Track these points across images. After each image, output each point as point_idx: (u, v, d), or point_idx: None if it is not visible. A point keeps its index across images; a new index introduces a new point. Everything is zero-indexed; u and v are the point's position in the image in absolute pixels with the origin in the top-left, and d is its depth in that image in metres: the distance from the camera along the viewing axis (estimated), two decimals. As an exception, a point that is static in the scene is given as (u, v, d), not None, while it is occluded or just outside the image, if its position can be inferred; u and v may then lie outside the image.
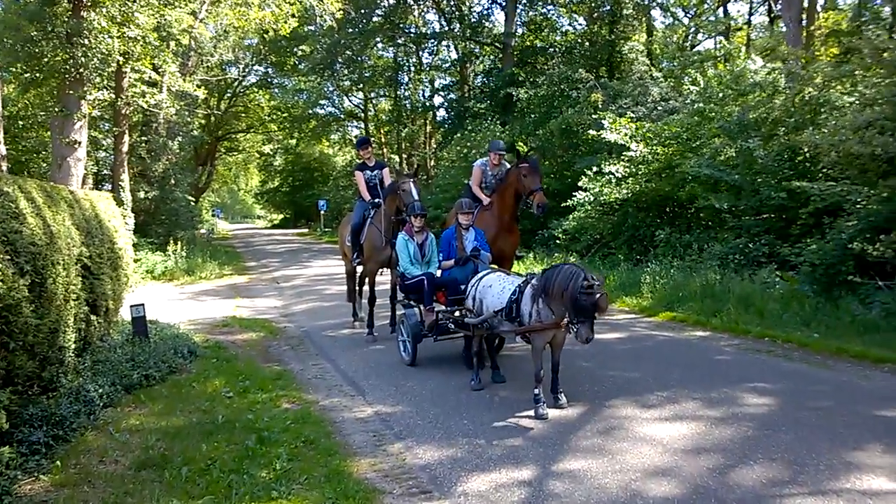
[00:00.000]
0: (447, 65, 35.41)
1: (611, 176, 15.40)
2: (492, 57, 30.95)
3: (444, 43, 33.62)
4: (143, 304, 7.89)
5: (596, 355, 7.35)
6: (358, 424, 5.60)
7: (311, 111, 37.77)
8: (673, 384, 6.33)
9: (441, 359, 7.75)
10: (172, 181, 21.12)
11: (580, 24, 28.65)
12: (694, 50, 28.89)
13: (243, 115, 41.37)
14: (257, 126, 42.65)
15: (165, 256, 17.81)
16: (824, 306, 9.37)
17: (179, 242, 18.63)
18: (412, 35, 31.92)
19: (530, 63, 27.67)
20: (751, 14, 31.39)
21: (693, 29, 30.99)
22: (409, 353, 7.48)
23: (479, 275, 6.61)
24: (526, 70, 26.71)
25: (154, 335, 7.98)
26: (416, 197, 8.18)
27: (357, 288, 10.09)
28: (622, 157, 15.40)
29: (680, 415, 5.44)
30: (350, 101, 40.28)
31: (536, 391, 5.74)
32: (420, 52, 35.34)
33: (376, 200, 8.95)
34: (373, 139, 38.91)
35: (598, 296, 5.05)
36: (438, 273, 7.73)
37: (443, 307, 7.42)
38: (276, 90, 38.42)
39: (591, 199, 15.64)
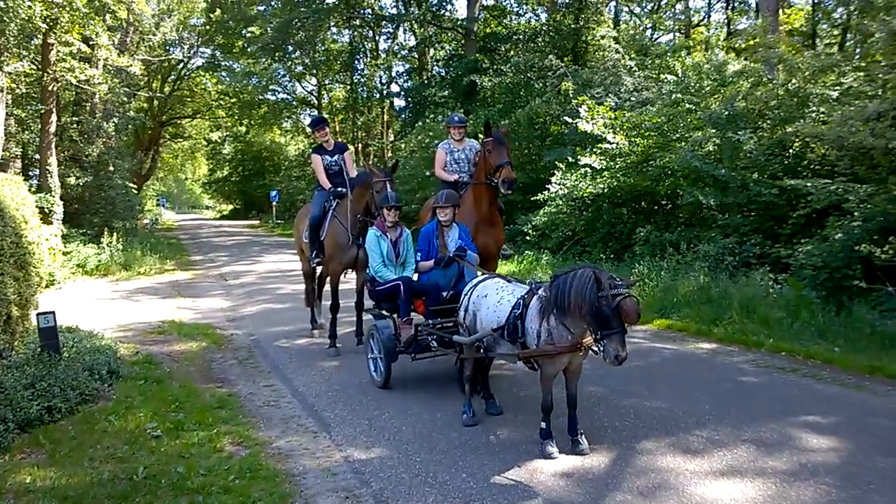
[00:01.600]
0: (405, 51, 34.04)
1: (587, 169, 14.40)
2: (453, 43, 29.68)
3: (402, 28, 32.29)
4: (53, 313, 6.40)
5: (603, 377, 6.22)
6: (324, 479, 4.32)
7: (261, 97, 35.69)
8: (709, 418, 5.25)
9: (421, 379, 6.53)
10: (111, 167, 19.30)
11: (542, 13, 27.72)
12: (658, 42, 28.51)
13: (189, 99, 39.12)
14: (204, 111, 40.46)
15: (99, 249, 16.11)
16: (834, 314, 8.53)
17: (116, 233, 16.87)
18: (368, 18, 30.39)
19: (494, 50, 26.55)
20: (710, 10, 31.28)
21: (650, 25, 30.58)
22: (382, 373, 6.23)
23: (474, 281, 5.39)
24: (490, 57, 25.58)
25: (68, 349, 6.53)
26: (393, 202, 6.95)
27: (316, 290, 8.80)
28: (597, 149, 14.43)
29: (736, 467, 4.32)
30: (303, 87, 38.41)
31: (544, 425, 4.62)
32: (377, 38, 33.87)
33: (339, 189, 7.68)
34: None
35: (621, 298, 3.95)
36: (415, 277, 6.50)
37: (422, 318, 6.21)
38: (224, 74, 36.25)
39: (565, 193, 14.63)
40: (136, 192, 26.31)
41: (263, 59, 30.83)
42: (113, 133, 19.51)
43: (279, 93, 37.21)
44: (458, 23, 27.54)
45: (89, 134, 18.35)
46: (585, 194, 14.24)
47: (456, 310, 6.24)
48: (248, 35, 31.25)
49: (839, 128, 9.31)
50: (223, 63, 35.12)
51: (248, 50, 31.16)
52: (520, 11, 28.31)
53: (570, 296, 4.13)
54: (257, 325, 9.51)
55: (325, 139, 8.13)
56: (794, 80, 13.63)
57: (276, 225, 33.43)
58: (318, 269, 8.73)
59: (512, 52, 25.10)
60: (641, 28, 30.35)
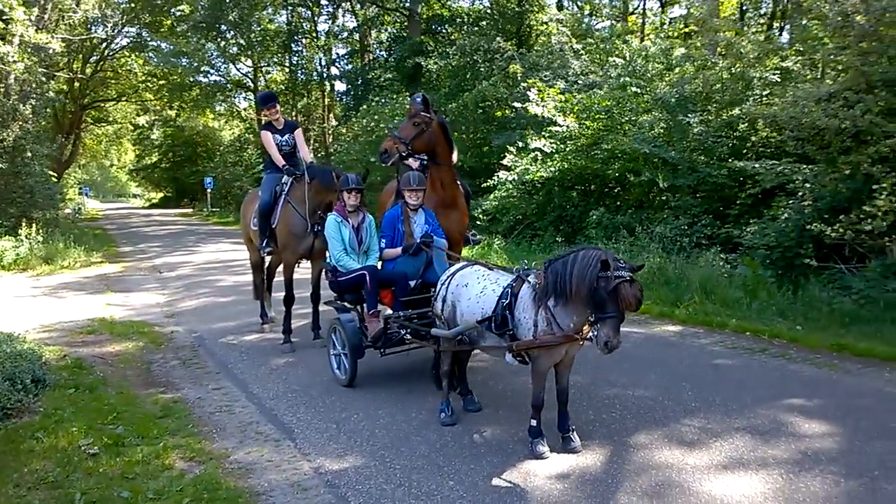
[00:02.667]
0: (345, 33, 33.08)
1: (537, 152, 14.19)
2: (396, 25, 28.98)
3: (341, 8, 31.33)
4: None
5: (580, 366, 5.86)
6: (294, 496, 3.83)
7: (192, 79, 33.91)
8: (696, 406, 5.04)
9: (388, 375, 6.09)
10: (28, 153, 17.84)
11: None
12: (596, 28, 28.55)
13: (113, 81, 36.88)
14: (130, 94, 38.18)
15: (17, 242, 14.85)
16: (791, 293, 8.57)
17: (35, 225, 15.62)
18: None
19: (438, 32, 26.04)
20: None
21: (589, 12, 30.62)
22: (347, 370, 5.75)
23: (451, 270, 4.97)
24: (434, 39, 25.07)
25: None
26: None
27: (266, 282, 8.20)
28: (546, 132, 14.22)
29: (737, 458, 4.09)
30: (237, 69, 36.78)
31: (534, 422, 4.28)
32: (315, 18, 32.74)
33: (292, 168, 7.10)
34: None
35: (620, 282, 3.63)
36: (379, 265, 6.04)
37: (389, 311, 5.77)
38: (152, 55, 34.29)
39: (516, 178, 14.39)
40: (56, 179, 24.60)
41: (195, 39, 29.36)
42: (30, 116, 18.01)
43: (212, 75, 35.52)
44: (401, 4, 26.88)
45: (4, 117, 16.89)
46: (535, 178, 14.04)
47: (427, 300, 5.87)
48: (178, 14, 29.63)
49: (792, 108, 9.31)
50: (151, 43, 33.24)
51: (178, 29, 29.56)
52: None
53: (572, 278, 3.79)
54: (200, 321, 8.82)
55: (275, 117, 7.51)
56: (738, 64, 13.76)
57: (212, 213, 32.11)
58: (268, 260, 8.15)
59: (456, 35, 24.67)
60: (579, 15, 30.38)
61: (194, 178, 39.81)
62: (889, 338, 6.68)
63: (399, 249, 5.84)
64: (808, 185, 9.87)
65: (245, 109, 40.09)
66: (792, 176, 10.05)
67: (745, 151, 12.33)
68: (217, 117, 41.44)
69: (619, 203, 13.98)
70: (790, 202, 10.06)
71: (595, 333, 3.81)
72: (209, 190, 33.58)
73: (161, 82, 35.43)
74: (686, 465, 4.03)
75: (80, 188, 44.60)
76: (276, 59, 35.32)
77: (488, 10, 25.77)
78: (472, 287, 4.56)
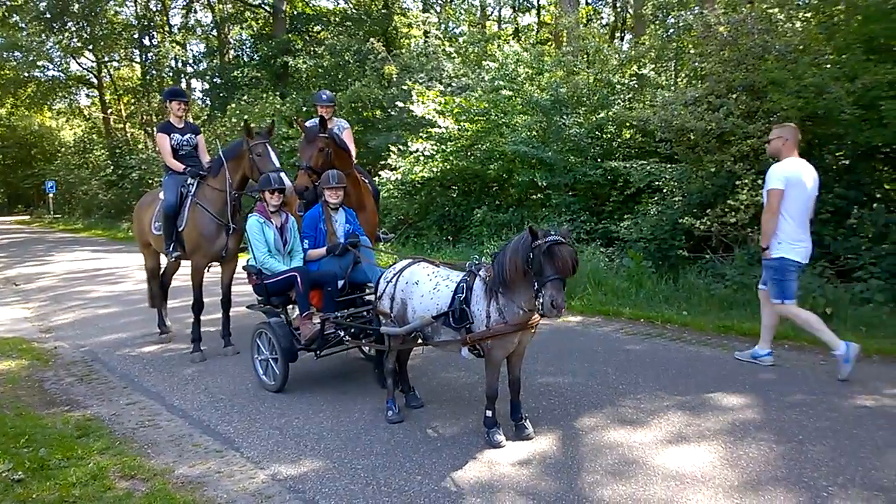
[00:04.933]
0: (200, 29, 31.48)
1: (418, 154, 14.41)
2: (260, 22, 28.02)
3: (197, 4, 29.82)
4: None
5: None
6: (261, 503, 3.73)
7: (28, 74, 30.72)
8: (624, 388, 5.42)
9: (316, 378, 5.99)
10: None
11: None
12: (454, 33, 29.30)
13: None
14: (-50, 90, 33.96)
15: None
16: (672, 282, 9.39)
17: None
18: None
19: (305, 31, 25.53)
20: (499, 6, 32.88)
21: (445, 18, 31.47)
22: (277, 375, 5.58)
23: (397, 267, 4.97)
24: (302, 38, 24.56)
25: None
26: (278, 164, 6.23)
27: (163, 290, 7.70)
28: (424, 132, 14.50)
29: (677, 432, 4.46)
30: (79, 64, 33.82)
31: (489, 413, 4.40)
32: (168, 12, 30.89)
33: (194, 169, 6.78)
34: (111, 112, 33.37)
35: (552, 243, 3.81)
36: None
37: (317, 312, 5.66)
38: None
39: (399, 178, 14.54)
40: None
41: (31, 32, 26.64)
42: None
43: (49, 70, 32.41)
44: (263, 1, 26.05)
45: None
46: (417, 178, 14.26)
47: (354, 301, 5.84)
48: (10, 3, 26.72)
49: (662, 111, 10.18)
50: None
51: (12, 21, 26.67)
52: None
53: (507, 257, 3.98)
54: (84, 335, 8.10)
55: (179, 114, 7.10)
56: (603, 71, 14.83)
57: (56, 220, 29.32)
58: (163, 266, 7.66)
59: (323, 34, 24.34)
60: (438, 21, 31.05)
61: (29, 182, 36.18)
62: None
63: (324, 250, 5.75)
64: (675, 182, 10.89)
65: (87, 107, 36.97)
66: (660, 175, 11.02)
67: (613, 152, 13.31)
68: (56, 116, 37.81)
69: (499, 202, 14.50)
70: (660, 198, 11.04)
71: (541, 300, 3.87)
72: (51, 195, 30.63)
73: (-10, 77, 31.77)
74: (635, 442, 4.34)
75: None
76: (125, 55, 32.83)
77: (354, 11, 25.68)
78: (424, 284, 4.61)
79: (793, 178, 5.59)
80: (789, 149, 5.75)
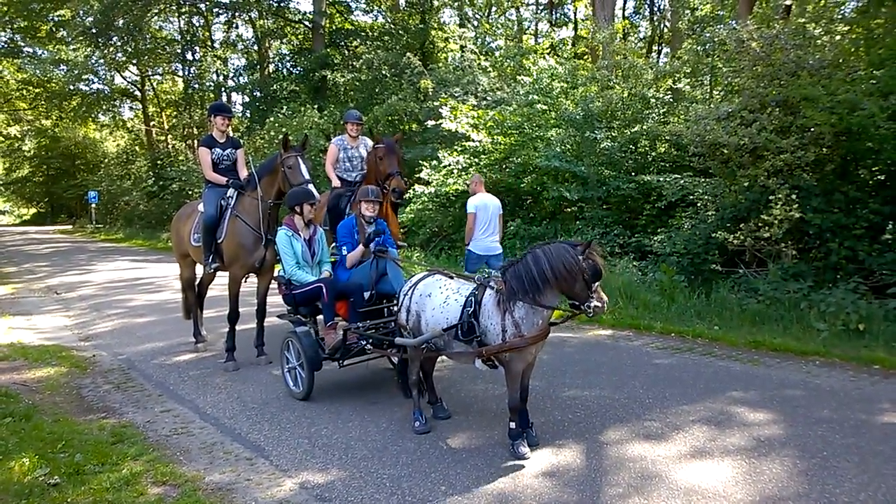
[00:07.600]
0: (241, 44, 32.22)
1: (452, 167, 14.51)
2: (299, 37, 28.59)
3: (239, 19, 30.53)
4: None
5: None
6: (288, 513, 3.80)
7: (73, 87, 31.79)
8: (650, 401, 5.40)
9: (346, 388, 6.08)
10: None
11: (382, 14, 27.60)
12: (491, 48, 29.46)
13: (-22, 89, 34.09)
14: (0, 103, 35.35)
15: None
16: (704, 297, 9.27)
17: None
18: (202, 4, 28.27)
19: (343, 45, 25.97)
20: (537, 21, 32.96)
21: (484, 33, 31.63)
22: (304, 384, 5.69)
23: (412, 280, 5.05)
24: (340, 53, 24.98)
25: None
26: (307, 177, 6.38)
27: (199, 300, 7.89)
28: (458, 146, 14.60)
29: (701, 447, 4.44)
30: (123, 77, 34.86)
31: (513, 425, 4.44)
32: (210, 27, 31.71)
33: (237, 182, 6.99)
34: (153, 124, 34.26)
35: (590, 251, 4.06)
36: (325, 274, 6.03)
37: (344, 322, 5.76)
38: (28, 62, 31.85)
39: (433, 191, 14.65)
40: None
41: (74, 46, 27.60)
42: None
43: (94, 83, 33.51)
44: (304, 16, 26.58)
45: None
46: (451, 191, 14.35)
47: (381, 311, 5.93)
48: (57, 19, 27.76)
49: (695, 126, 10.11)
50: (25, 49, 30.91)
51: (59, 35, 27.70)
52: (366, 8, 27.94)
53: (547, 266, 4.04)
54: (122, 344, 8.34)
55: (223, 128, 7.31)
56: (638, 85, 14.78)
57: (98, 230, 30.16)
58: (199, 276, 7.87)
59: (361, 49, 24.71)
60: (475, 35, 31.27)
61: (73, 192, 37.33)
62: (797, 334, 7.41)
63: (360, 248, 5.84)
64: (708, 196, 10.78)
65: (130, 119, 38.08)
66: (693, 189, 10.93)
67: (647, 166, 13.23)
68: (100, 128, 39.03)
69: (532, 214, 14.51)
70: (693, 212, 10.93)
71: (588, 304, 4.02)
72: (93, 205, 31.58)
73: (37, 90, 32.98)
74: (658, 457, 4.32)
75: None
76: (168, 69, 33.79)
77: (391, 26, 26.02)
78: (435, 297, 4.68)
79: None
80: None
